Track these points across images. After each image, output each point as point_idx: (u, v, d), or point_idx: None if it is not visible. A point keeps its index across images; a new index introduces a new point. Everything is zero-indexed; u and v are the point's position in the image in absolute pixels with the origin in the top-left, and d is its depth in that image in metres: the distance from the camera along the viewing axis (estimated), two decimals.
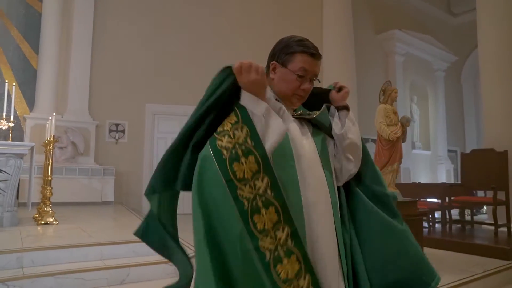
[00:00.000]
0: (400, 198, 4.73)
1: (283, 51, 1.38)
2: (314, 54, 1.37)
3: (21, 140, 7.76)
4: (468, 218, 7.12)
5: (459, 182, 9.23)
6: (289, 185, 1.24)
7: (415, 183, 8.17)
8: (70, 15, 8.78)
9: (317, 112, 1.43)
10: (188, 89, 9.48)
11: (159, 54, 9.39)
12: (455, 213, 7.27)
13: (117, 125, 9.11)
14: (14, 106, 7.26)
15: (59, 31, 8.58)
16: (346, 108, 1.50)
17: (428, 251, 5.05)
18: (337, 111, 1.50)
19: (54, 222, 4.96)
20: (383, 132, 4.70)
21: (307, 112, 1.46)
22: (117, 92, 9.03)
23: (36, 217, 5.07)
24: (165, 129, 9.45)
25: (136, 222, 5.47)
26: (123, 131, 9.15)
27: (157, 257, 3.79)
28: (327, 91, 1.53)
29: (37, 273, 3.30)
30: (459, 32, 14.32)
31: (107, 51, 9.05)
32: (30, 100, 8.39)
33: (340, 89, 1.51)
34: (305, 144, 1.35)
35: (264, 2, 10.39)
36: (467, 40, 13.35)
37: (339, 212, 1.39)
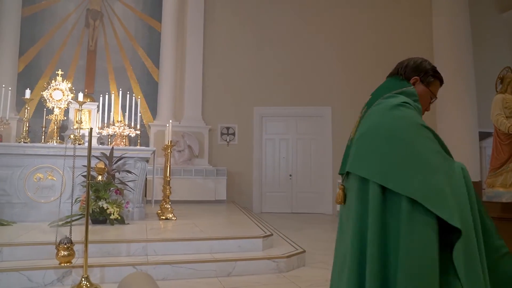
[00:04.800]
0: None
1: (429, 73, 1.65)
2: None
3: (147, 145, 8.85)
4: None
5: None
6: None
7: None
8: (184, 32, 9.77)
9: None
10: (293, 91, 9.69)
11: (264, 59, 9.79)
12: None
13: (227, 128, 9.76)
14: (140, 115, 8.37)
15: (175, 47, 9.60)
16: None
17: None
18: None
19: (172, 218, 5.59)
20: (501, 125, 4.20)
21: None
22: (226, 98, 9.71)
23: (159, 213, 5.76)
24: (272, 130, 9.81)
25: (245, 220, 5.83)
26: (233, 134, 9.76)
27: (260, 253, 4.07)
28: None
29: (158, 261, 3.78)
30: None
31: (216, 61, 9.79)
32: (153, 109, 9.56)
33: None
34: None
35: None
36: None
37: None
